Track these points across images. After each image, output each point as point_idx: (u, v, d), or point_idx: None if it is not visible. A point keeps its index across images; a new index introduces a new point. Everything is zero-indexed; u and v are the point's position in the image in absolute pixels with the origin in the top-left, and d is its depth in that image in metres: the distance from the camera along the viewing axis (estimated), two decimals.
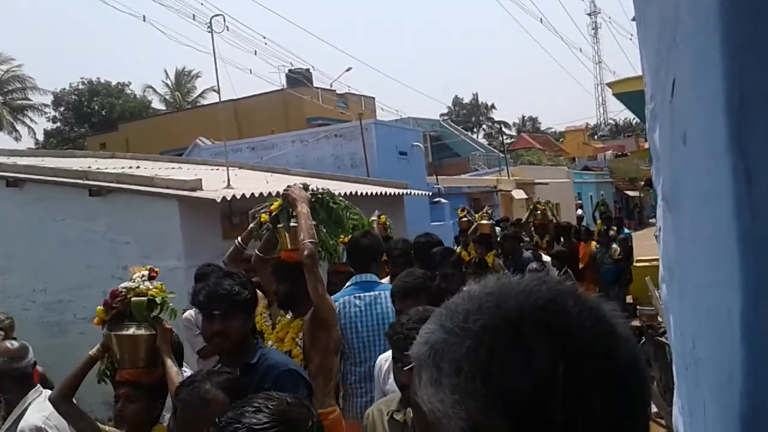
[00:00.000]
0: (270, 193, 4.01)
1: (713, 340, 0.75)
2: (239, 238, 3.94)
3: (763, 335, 0.64)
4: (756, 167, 0.61)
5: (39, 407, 3.23)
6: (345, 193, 9.72)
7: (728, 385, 0.69)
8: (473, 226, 8.17)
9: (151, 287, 2.87)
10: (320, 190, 3.98)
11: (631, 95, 7.89)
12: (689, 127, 0.83)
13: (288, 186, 3.80)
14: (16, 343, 3.51)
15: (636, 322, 6.49)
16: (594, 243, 11.44)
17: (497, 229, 9.19)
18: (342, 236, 4.24)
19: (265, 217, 3.74)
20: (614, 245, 11.34)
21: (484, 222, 8.12)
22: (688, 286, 0.91)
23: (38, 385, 3.43)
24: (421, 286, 3.14)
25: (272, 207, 3.74)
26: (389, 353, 2.93)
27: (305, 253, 3.36)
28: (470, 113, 64.57)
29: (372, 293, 3.97)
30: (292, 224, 3.58)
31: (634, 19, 1.56)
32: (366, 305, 3.94)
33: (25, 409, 3.25)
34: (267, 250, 3.79)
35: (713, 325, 0.75)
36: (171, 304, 2.99)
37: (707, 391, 0.80)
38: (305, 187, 3.81)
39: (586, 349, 0.65)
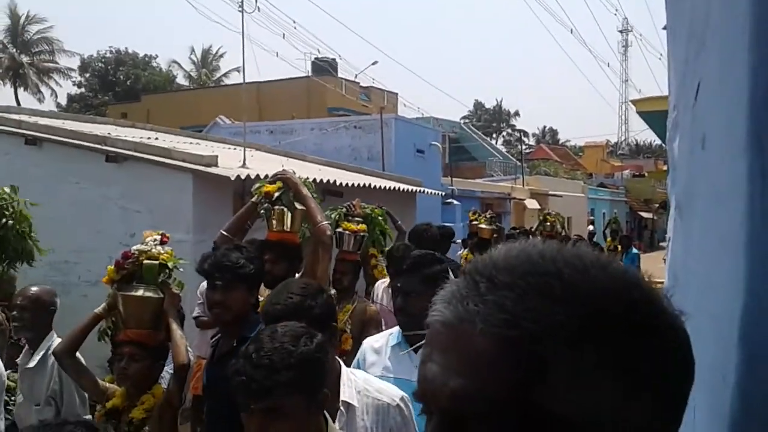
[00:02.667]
0: (267, 175, 4.02)
1: (710, 343, 0.75)
2: (249, 222, 3.91)
3: (760, 339, 0.64)
4: None
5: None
6: (359, 185, 9.75)
7: (721, 386, 0.68)
8: (474, 230, 8.16)
9: (162, 252, 2.91)
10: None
11: (654, 115, 7.85)
12: (709, 130, 0.83)
13: (283, 170, 3.85)
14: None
15: None
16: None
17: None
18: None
19: (270, 188, 3.68)
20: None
21: (484, 227, 8.08)
22: (690, 290, 0.90)
23: (53, 330, 3.63)
24: (295, 308, 2.16)
25: (269, 188, 3.70)
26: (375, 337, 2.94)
27: (327, 233, 3.48)
28: (492, 119, 64.41)
29: None
30: (298, 206, 3.59)
31: (665, 28, 1.55)
32: None
33: (52, 344, 3.42)
34: (237, 232, 3.69)
35: (712, 328, 0.75)
36: (177, 277, 3.03)
37: (699, 394, 0.80)
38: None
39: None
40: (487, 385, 0.55)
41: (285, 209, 3.64)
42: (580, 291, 0.55)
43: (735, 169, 0.66)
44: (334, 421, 2.08)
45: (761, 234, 0.62)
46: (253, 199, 3.71)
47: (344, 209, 4.80)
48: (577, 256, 0.58)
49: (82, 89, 43.06)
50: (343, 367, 2.35)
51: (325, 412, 1.88)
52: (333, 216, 4.65)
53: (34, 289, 3.69)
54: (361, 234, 4.66)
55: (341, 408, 2.22)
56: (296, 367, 1.68)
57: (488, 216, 8.46)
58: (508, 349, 0.54)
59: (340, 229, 4.58)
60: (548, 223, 10.97)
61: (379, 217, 5.10)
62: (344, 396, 2.25)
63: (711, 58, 0.81)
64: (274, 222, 3.61)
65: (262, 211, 3.65)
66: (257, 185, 3.81)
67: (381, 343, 2.76)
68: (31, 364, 3.53)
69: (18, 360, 3.79)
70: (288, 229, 3.62)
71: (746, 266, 0.64)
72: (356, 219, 4.75)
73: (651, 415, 0.55)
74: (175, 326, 2.82)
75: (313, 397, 1.75)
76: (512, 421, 0.54)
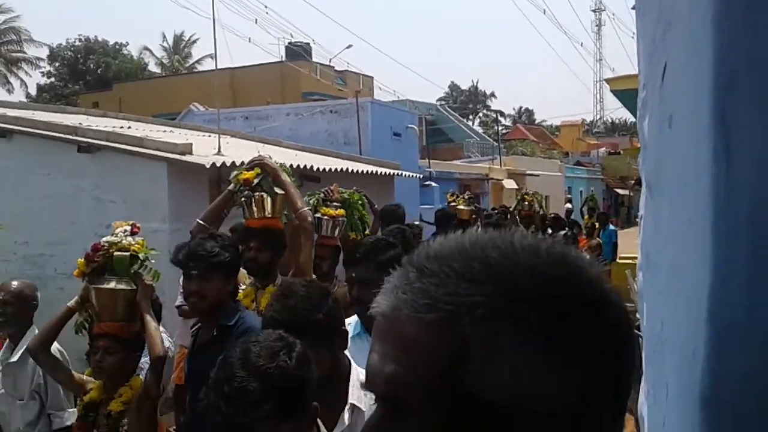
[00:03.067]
0: (243, 162, 3.98)
1: (681, 321, 0.76)
2: (225, 210, 3.87)
3: (728, 316, 0.65)
4: (737, 147, 0.61)
5: None
6: (336, 169, 9.72)
7: (691, 364, 0.69)
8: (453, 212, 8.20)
9: (133, 243, 2.87)
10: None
11: (628, 93, 7.90)
12: (675, 110, 0.83)
13: (260, 155, 3.83)
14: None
15: None
16: (599, 238, 11.43)
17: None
18: None
19: (249, 174, 3.65)
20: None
21: (463, 208, 8.11)
22: (661, 269, 0.91)
23: (33, 324, 3.61)
24: (298, 318, 2.06)
25: (248, 175, 3.67)
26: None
27: (309, 219, 3.52)
28: (468, 100, 64.42)
29: None
30: (278, 191, 3.58)
31: (634, 8, 1.56)
32: None
33: None
34: (214, 221, 3.66)
35: (682, 306, 0.76)
36: (153, 266, 2.99)
37: (671, 371, 0.81)
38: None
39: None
40: (416, 370, 0.56)
41: (265, 195, 3.62)
42: (499, 271, 0.56)
43: (700, 149, 0.67)
44: (334, 425, 1.98)
45: (726, 215, 0.63)
46: (230, 187, 3.69)
47: (322, 195, 4.79)
48: (509, 242, 0.59)
49: (52, 79, 42.28)
50: (354, 367, 2.17)
51: (318, 421, 1.72)
52: (311, 201, 4.65)
53: (15, 283, 3.65)
54: (340, 219, 4.66)
55: (346, 412, 2.06)
56: (276, 395, 1.50)
57: (466, 197, 8.48)
58: (430, 333, 0.55)
59: (318, 215, 4.58)
60: (526, 203, 11.04)
61: (358, 202, 5.11)
62: (352, 398, 2.08)
63: (677, 39, 0.82)
64: (255, 209, 3.59)
65: (242, 199, 3.62)
66: (235, 172, 3.78)
67: None
68: (14, 359, 3.50)
69: None
70: (270, 215, 3.61)
71: (711, 246, 0.65)
72: (334, 204, 4.74)
73: (581, 393, 0.55)
74: (148, 318, 2.78)
75: (300, 419, 1.58)
76: (442, 405, 0.55)
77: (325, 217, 4.61)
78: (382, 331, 0.60)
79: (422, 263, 0.59)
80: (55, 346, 3.28)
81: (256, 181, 3.64)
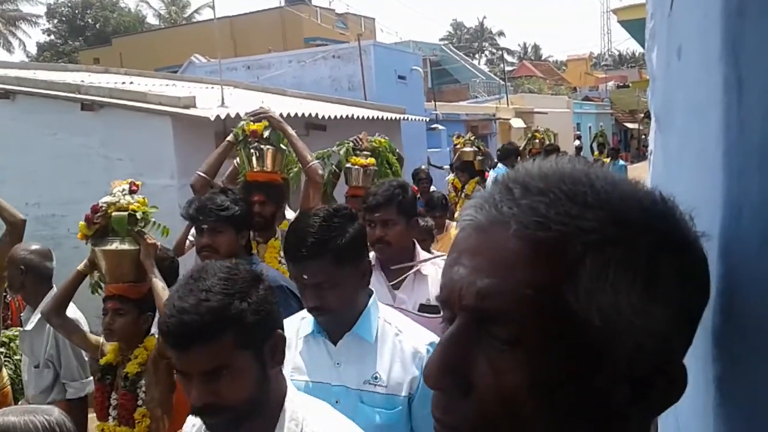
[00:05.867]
0: (246, 113, 3.90)
1: None
2: (230, 164, 3.83)
3: (739, 251, 0.63)
4: (748, 76, 0.59)
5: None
6: (342, 116, 9.63)
7: None
8: (457, 154, 8.13)
9: (132, 201, 2.83)
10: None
11: (636, 23, 7.72)
12: (685, 40, 0.80)
13: (262, 107, 3.78)
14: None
15: None
16: None
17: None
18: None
19: (257, 126, 3.59)
20: None
21: (467, 149, 8.04)
22: None
23: (54, 287, 3.51)
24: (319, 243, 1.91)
25: (256, 127, 3.62)
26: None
27: (319, 171, 3.54)
28: (473, 38, 63.23)
29: None
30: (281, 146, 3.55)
31: None
32: None
33: None
34: (215, 173, 3.61)
35: None
36: (161, 223, 2.96)
37: None
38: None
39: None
40: (515, 284, 0.55)
41: (273, 148, 3.58)
42: (610, 199, 0.57)
43: (710, 80, 0.64)
44: None
45: (737, 146, 0.61)
46: (229, 138, 3.65)
47: (351, 144, 4.68)
48: (608, 174, 0.61)
49: (51, 37, 41.80)
50: (290, 392, 1.60)
51: None
52: (341, 152, 4.56)
53: (30, 247, 3.61)
54: (371, 168, 4.57)
55: None
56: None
57: (470, 138, 8.40)
58: (539, 250, 0.55)
59: (348, 165, 4.50)
60: (537, 140, 10.92)
61: (385, 149, 4.93)
62: None
63: None
64: (262, 162, 3.55)
65: (251, 151, 3.57)
66: (242, 123, 3.72)
67: (290, 333, 1.77)
68: (29, 327, 3.51)
69: (22, 315, 3.79)
70: (272, 169, 3.58)
71: (723, 180, 0.63)
72: (364, 153, 4.64)
73: (666, 326, 0.57)
74: (155, 279, 2.73)
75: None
76: (536, 321, 0.55)
77: (355, 167, 4.50)
78: (476, 244, 0.59)
79: (526, 181, 0.59)
80: (73, 312, 3.27)
81: (266, 134, 3.59)
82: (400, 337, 1.90)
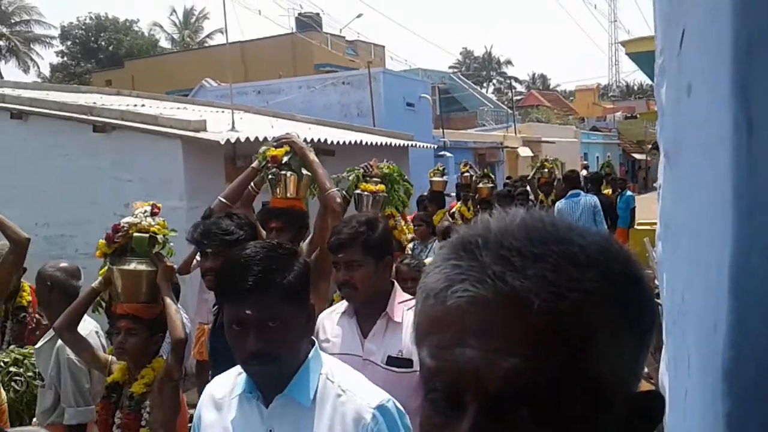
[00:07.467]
0: (266, 138, 3.91)
1: (702, 293, 0.75)
2: (252, 184, 3.80)
3: (749, 288, 0.64)
4: (758, 117, 0.60)
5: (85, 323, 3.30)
6: (350, 142, 9.69)
7: (713, 336, 0.69)
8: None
9: (153, 223, 2.87)
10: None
11: (644, 55, 7.77)
12: (694, 78, 0.82)
13: (287, 133, 3.77)
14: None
15: None
16: None
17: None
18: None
19: (278, 152, 3.58)
20: None
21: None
22: (681, 240, 0.91)
23: None
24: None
25: (277, 152, 3.61)
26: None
27: (337, 200, 3.43)
28: (481, 67, 63.71)
29: None
30: (304, 172, 3.53)
31: None
32: None
33: None
34: (236, 199, 3.56)
35: (703, 278, 0.75)
36: (171, 243, 2.99)
37: (692, 343, 0.81)
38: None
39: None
40: (543, 362, 0.53)
41: (294, 174, 3.55)
42: (593, 254, 0.57)
43: (721, 119, 0.65)
44: None
45: (747, 186, 0.62)
46: (254, 165, 3.63)
47: (362, 170, 4.70)
48: (567, 223, 0.61)
49: (65, 58, 42.37)
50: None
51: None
52: (351, 178, 4.57)
53: (59, 265, 3.62)
54: (380, 194, 4.58)
55: None
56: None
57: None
58: (561, 322, 0.54)
59: (358, 191, 4.51)
60: (546, 170, 10.88)
61: (396, 175, 4.96)
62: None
63: (694, 5, 0.80)
64: (280, 188, 3.51)
65: (270, 176, 3.54)
66: (263, 148, 3.71)
67: (223, 392, 1.71)
68: (39, 343, 3.51)
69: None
70: (295, 196, 3.56)
71: (733, 218, 0.64)
72: (374, 179, 4.65)
73: (640, 360, 0.60)
74: (169, 301, 2.76)
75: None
76: (566, 394, 0.54)
77: (365, 193, 4.49)
78: (480, 321, 0.55)
79: (515, 245, 0.56)
80: (92, 326, 3.31)
81: (285, 159, 3.57)
82: (343, 399, 1.63)
